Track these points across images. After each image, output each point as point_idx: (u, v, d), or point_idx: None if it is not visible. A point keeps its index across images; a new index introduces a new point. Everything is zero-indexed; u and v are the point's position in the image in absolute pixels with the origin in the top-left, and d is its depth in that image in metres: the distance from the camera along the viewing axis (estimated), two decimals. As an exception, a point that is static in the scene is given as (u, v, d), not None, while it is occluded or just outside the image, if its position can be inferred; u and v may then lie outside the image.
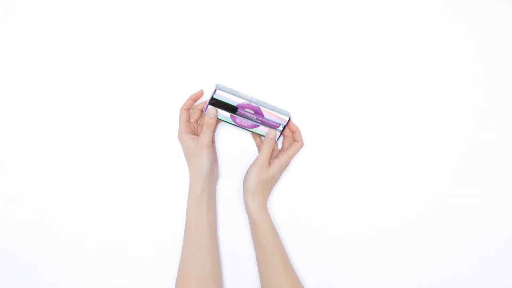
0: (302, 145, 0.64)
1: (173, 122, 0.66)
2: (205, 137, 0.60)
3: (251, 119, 0.63)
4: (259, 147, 0.66)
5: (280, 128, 0.64)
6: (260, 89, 0.67)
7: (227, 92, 0.62)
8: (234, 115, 0.63)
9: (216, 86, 0.62)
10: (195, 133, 0.64)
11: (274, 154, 0.66)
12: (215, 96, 0.62)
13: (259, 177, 0.61)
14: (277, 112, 0.64)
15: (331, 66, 0.67)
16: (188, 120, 0.64)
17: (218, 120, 0.64)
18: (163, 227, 0.67)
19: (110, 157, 0.67)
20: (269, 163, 0.63)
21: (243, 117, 0.63)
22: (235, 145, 0.68)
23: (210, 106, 0.62)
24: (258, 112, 0.63)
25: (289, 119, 0.64)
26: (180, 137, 0.63)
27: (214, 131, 0.66)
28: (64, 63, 0.67)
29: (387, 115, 0.68)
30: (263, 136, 0.64)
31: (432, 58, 0.67)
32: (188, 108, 0.64)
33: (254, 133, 0.66)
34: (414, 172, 0.68)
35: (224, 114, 0.63)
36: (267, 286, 0.61)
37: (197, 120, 0.65)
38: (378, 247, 0.68)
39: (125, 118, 0.67)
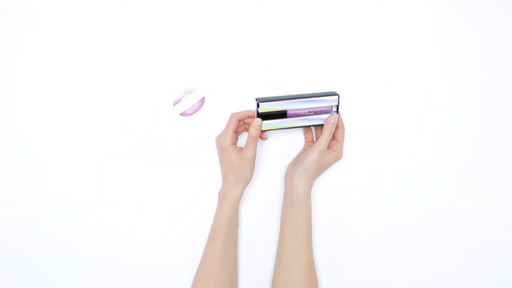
0: (342, 128, 0.64)
1: (174, 122, 0.67)
2: (251, 151, 0.60)
3: (304, 115, 0.62)
4: (316, 135, 0.67)
5: (334, 109, 0.63)
6: (259, 89, 0.67)
7: (269, 100, 0.61)
8: (286, 118, 0.62)
9: (256, 100, 0.61)
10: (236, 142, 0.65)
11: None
12: (260, 110, 0.61)
13: (318, 162, 0.61)
14: (324, 96, 0.62)
15: (331, 66, 0.67)
16: (236, 131, 0.63)
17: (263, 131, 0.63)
18: (163, 228, 0.67)
19: (110, 157, 0.67)
20: (327, 152, 0.63)
21: (295, 116, 0.62)
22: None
23: (256, 118, 0.60)
24: (307, 106, 0.62)
25: (338, 96, 0.62)
26: (224, 147, 0.61)
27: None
28: (64, 63, 0.67)
29: (388, 115, 0.67)
30: (318, 124, 0.63)
31: (432, 58, 0.67)
32: (241, 119, 0.62)
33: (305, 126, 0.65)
34: (416, 172, 0.68)
35: (276, 121, 0.62)
36: (286, 271, 0.60)
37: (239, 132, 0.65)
38: (382, 247, 0.67)
39: (125, 118, 0.67)
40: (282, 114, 0.62)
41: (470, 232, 0.67)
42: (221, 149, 0.62)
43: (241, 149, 0.62)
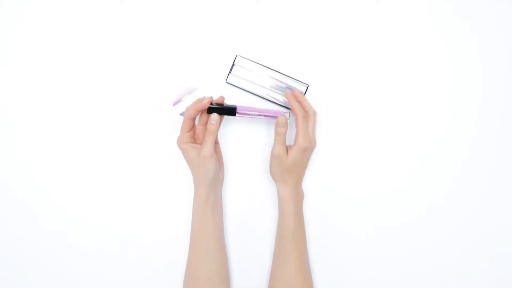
0: (314, 114, 0.61)
1: (174, 121, 0.66)
2: (208, 147, 0.58)
3: (252, 115, 0.62)
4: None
5: (287, 113, 0.62)
6: (259, 100, 0.66)
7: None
8: (235, 116, 0.62)
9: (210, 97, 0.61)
10: (196, 139, 0.62)
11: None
12: (211, 106, 0.60)
13: (280, 166, 0.61)
14: (277, 107, 0.62)
15: (331, 66, 0.67)
16: (191, 129, 0.61)
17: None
18: (163, 228, 0.67)
19: (109, 156, 0.67)
20: (289, 149, 0.61)
21: (244, 115, 0.62)
22: (240, 145, 0.67)
23: (213, 113, 0.60)
24: (257, 109, 0.62)
25: (290, 110, 0.62)
26: (181, 147, 0.61)
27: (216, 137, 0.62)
28: (64, 63, 0.66)
29: (388, 114, 0.67)
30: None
31: (432, 58, 0.67)
32: (193, 118, 0.60)
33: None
34: (413, 172, 0.67)
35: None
36: (278, 272, 0.60)
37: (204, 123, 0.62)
38: (383, 246, 0.67)
39: (126, 117, 0.67)
40: (232, 110, 0.61)
41: (470, 231, 0.67)
42: (181, 150, 0.61)
43: (198, 146, 0.60)
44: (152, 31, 0.67)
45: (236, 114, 0.61)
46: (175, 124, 0.66)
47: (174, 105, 0.66)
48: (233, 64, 0.65)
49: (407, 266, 0.66)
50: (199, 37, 0.67)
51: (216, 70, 0.66)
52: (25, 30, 0.66)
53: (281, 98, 0.66)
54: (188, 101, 0.65)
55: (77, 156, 0.67)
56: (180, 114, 0.65)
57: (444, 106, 0.67)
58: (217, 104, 0.61)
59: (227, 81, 0.66)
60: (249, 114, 0.61)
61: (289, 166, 0.61)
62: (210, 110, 0.60)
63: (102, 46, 0.66)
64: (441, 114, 0.67)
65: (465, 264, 0.66)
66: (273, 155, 0.61)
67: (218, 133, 0.64)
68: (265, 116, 0.62)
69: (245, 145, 0.67)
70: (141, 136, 0.67)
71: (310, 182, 0.66)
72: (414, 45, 0.67)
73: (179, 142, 0.61)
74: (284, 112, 0.62)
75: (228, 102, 0.65)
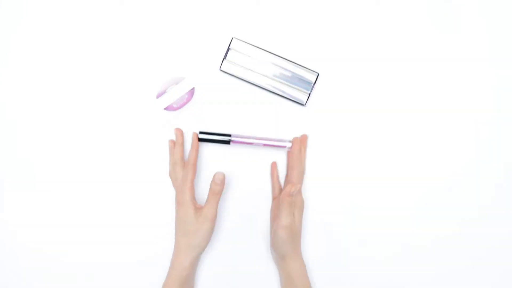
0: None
1: (157, 117, 0.63)
2: (211, 209, 0.53)
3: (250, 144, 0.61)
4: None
5: (288, 146, 0.60)
6: (259, 91, 0.64)
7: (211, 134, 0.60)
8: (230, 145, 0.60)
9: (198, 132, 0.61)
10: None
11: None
12: (200, 136, 0.60)
13: (292, 235, 0.56)
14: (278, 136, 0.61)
15: (331, 67, 0.66)
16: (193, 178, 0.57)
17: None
18: (163, 230, 0.64)
19: (110, 158, 0.65)
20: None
21: (241, 143, 0.60)
22: (238, 161, 0.65)
23: (218, 172, 0.54)
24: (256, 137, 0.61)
25: (291, 143, 0.60)
26: (183, 200, 0.55)
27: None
28: (63, 63, 0.66)
29: (390, 115, 0.67)
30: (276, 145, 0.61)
31: (432, 57, 0.67)
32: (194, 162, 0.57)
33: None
34: (418, 171, 0.66)
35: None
36: None
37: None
38: (383, 248, 0.66)
39: (125, 118, 0.65)
40: (225, 141, 0.60)
41: (470, 231, 0.67)
42: (177, 203, 0.55)
43: (201, 206, 0.55)
44: (152, 31, 0.65)
45: (231, 143, 0.60)
46: (161, 118, 0.63)
47: (157, 97, 0.58)
48: (228, 48, 0.62)
49: (407, 267, 0.67)
50: (188, 16, 0.64)
51: (208, 56, 0.64)
52: (25, 30, 0.67)
53: (286, 90, 0.62)
54: (174, 93, 0.58)
55: (76, 156, 0.66)
56: (165, 109, 0.58)
57: (445, 106, 0.68)
58: (206, 132, 0.60)
59: (221, 68, 0.62)
60: (245, 143, 0.60)
61: (298, 229, 0.58)
62: (201, 139, 0.60)
63: (102, 46, 0.66)
64: (442, 114, 0.68)
65: (465, 263, 0.67)
66: (284, 227, 0.54)
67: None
68: (264, 145, 0.60)
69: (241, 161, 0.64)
70: (141, 136, 0.65)
71: (310, 183, 0.66)
72: (414, 45, 0.67)
73: (183, 193, 0.55)
74: (286, 143, 0.60)
75: (223, 95, 0.63)
